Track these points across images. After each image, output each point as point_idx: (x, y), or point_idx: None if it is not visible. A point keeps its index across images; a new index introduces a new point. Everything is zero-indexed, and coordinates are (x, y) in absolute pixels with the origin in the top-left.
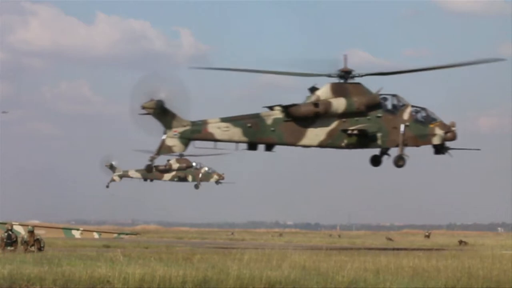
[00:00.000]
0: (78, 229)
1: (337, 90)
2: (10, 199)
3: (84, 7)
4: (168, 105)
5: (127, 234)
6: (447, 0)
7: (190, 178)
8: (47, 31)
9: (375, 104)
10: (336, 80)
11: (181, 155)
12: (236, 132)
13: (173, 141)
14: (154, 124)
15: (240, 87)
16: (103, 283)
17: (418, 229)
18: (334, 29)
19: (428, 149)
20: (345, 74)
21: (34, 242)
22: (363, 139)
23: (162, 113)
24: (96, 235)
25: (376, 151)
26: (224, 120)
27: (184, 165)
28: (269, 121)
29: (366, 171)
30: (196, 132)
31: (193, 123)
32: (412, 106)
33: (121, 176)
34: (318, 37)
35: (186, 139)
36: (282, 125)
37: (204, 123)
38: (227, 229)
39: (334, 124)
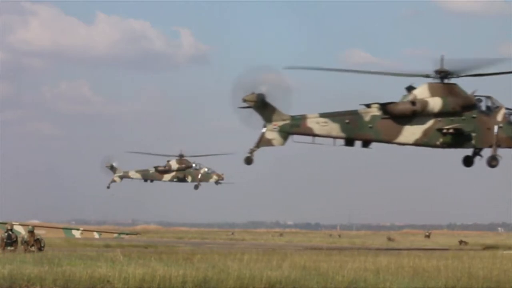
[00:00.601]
0: (78, 229)
1: (433, 90)
2: (10, 199)
3: (84, 7)
4: (269, 99)
5: (127, 234)
6: (447, 0)
7: (189, 178)
8: (47, 31)
9: (470, 105)
10: (432, 80)
11: (181, 156)
12: (334, 128)
13: (272, 134)
14: (255, 117)
15: None
16: (103, 283)
17: (418, 229)
18: (334, 29)
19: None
20: (442, 74)
21: (34, 242)
22: (458, 139)
23: (262, 106)
24: (96, 235)
25: (469, 151)
26: (322, 115)
27: (184, 165)
28: (366, 117)
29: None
30: (295, 127)
31: (293, 117)
32: (506, 108)
33: (121, 177)
34: (318, 37)
35: (285, 132)
36: (380, 122)
37: (303, 117)
38: (227, 229)
39: (430, 123)
